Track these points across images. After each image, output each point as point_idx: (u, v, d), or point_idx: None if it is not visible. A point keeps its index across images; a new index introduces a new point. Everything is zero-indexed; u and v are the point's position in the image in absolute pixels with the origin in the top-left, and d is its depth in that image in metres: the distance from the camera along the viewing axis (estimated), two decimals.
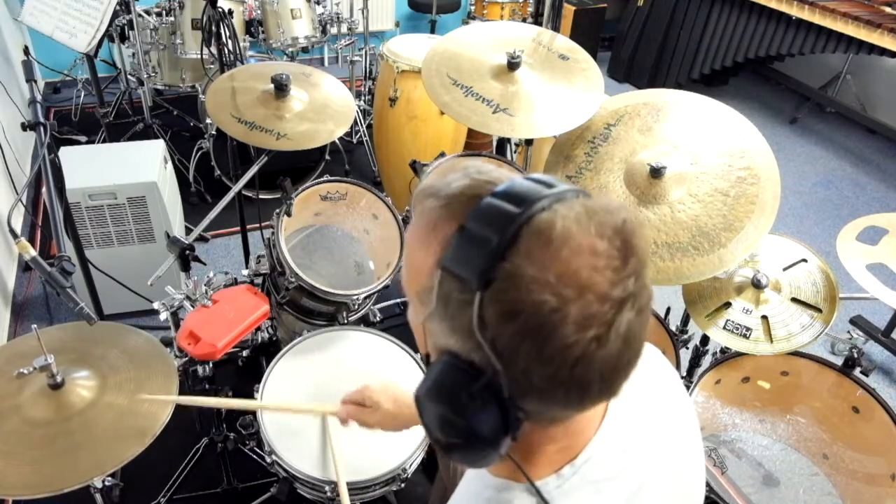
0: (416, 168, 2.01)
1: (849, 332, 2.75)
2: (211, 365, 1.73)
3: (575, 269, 0.55)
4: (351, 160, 3.75)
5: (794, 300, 1.74)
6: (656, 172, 1.65)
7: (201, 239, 2.46)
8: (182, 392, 1.39)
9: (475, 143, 3.14)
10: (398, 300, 2.66)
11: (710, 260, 1.57)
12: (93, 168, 2.46)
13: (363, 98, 3.93)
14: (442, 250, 0.60)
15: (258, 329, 2.15)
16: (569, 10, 4.92)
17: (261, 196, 2.51)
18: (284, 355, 1.69)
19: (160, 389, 1.35)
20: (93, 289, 2.27)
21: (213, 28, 2.16)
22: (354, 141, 3.89)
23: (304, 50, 3.57)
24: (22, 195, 3.03)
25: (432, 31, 4.46)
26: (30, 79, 1.81)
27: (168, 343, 1.75)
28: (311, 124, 1.92)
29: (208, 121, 2.98)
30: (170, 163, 2.77)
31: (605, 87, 1.93)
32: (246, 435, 1.67)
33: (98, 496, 1.40)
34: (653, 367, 0.84)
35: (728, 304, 1.76)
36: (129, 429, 1.28)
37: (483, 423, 0.59)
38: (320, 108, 1.98)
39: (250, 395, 1.56)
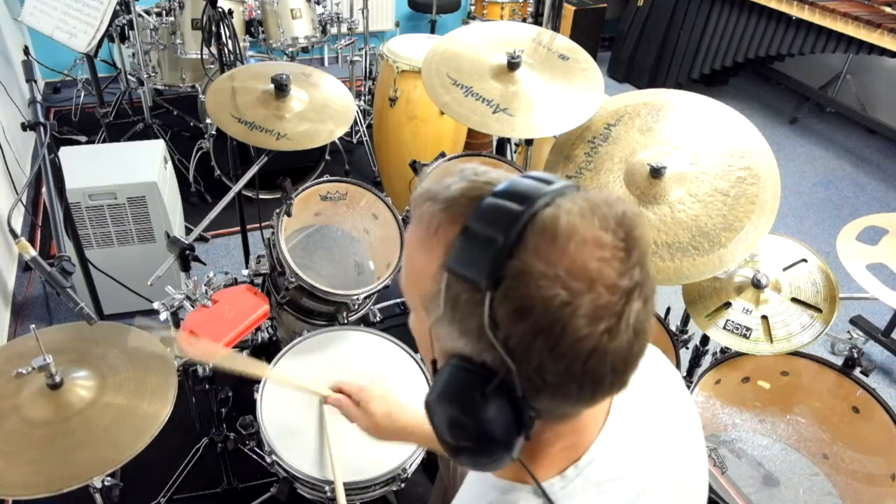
0: (416, 168, 2.02)
1: (849, 332, 2.75)
2: (211, 365, 1.73)
3: (583, 262, 0.55)
4: (351, 160, 3.75)
5: (794, 300, 1.74)
6: (656, 172, 1.65)
7: (201, 239, 2.46)
8: (181, 392, 1.39)
9: (475, 143, 3.14)
10: (398, 300, 2.66)
11: (710, 260, 1.57)
12: (93, 168, 2.46)
13: (363, 98, 3.93)
14: (445, 253, 0.60)
15: (258, 329, 2.14)
16: (569, 10, 4.92)
17: (261, 196, 2.50)
18: (284, 355, 1.69)
19: (160, 389, 1.35)
20: (93, 289, 2.27)
21: (213, 28, 2.16)
22: (354, 141, 3.89)
23: (304, 50, 3.57)
24: (22, 195, 3.02)
25: (432, 31, 4.45)
26: (30, 79, 1.81)
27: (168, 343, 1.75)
28: (311, 124, 1.92)
29: (208, 121, 2.97)
30: (170, 163, 2.77)
31: (605, 87, 1.93)
32: (246, 435, 1.67)
33: (98, 496, 1.40)
34: (655, 368, 0.84)
35: (728, 304, 1.76)
36: (128, 429, 1.28)
37: (498, 424, 0.59)
38: (320, 108, 1.97)
39: (250, 396, 1.56)
